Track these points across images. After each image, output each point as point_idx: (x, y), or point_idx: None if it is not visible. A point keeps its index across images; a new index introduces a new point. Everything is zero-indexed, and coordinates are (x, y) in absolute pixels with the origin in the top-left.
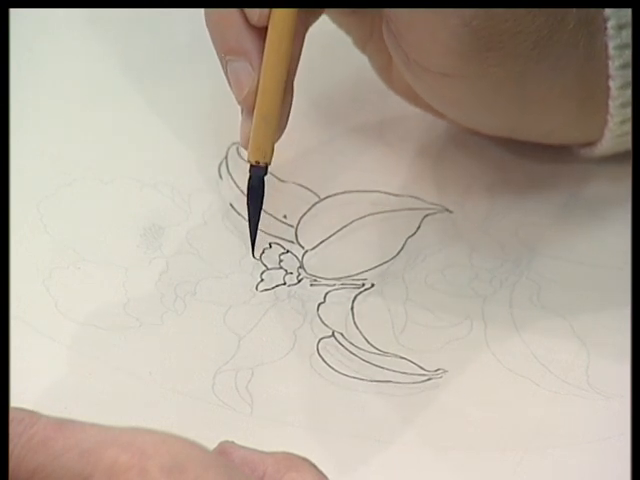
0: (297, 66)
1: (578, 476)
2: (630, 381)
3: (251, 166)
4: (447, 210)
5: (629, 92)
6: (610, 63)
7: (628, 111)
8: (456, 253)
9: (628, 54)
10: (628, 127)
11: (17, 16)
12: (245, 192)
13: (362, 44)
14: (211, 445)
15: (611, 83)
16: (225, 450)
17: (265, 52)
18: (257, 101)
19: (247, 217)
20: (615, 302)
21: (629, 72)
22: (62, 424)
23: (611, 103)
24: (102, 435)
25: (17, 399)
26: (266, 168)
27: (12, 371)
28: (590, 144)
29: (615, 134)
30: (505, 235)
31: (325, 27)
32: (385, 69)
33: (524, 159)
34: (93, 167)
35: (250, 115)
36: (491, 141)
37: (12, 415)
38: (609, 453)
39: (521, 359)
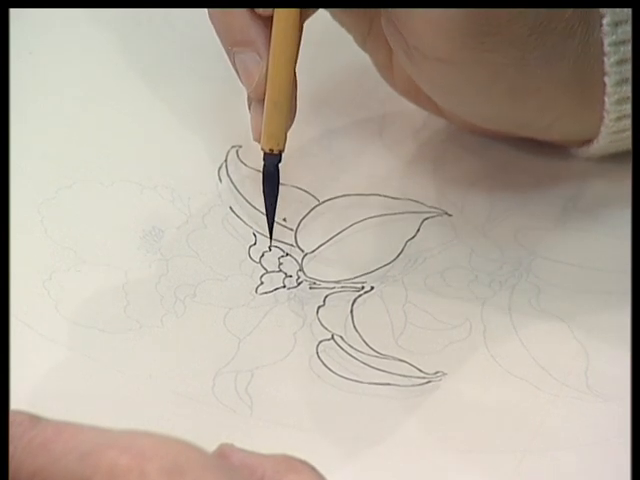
0: (298, 55)
1: (578, 478)
2: (629, 383)
3: (265, 154)
4: (446, 213)
5: (625, 88)
6: (605, 59)
7: (623, 108)
8: (455, 256)
9: (623, 50)
10: (624, 124)
11: (17, 16)
12: (244, 196)
13: (362, 40)
14: (211, 447)
15: (606, 79)
16: (224, 452)
17: (272, 40)
18: (267, 89)
19: (264, 205)
20: (614, 305)
21: (624, 68)
22: (62, 427)
23: (607, 99)
24: (102, 438)
25: (17, 401)
26: (280, 155)
27: (12, 373)
28: (588, 142)
29: (611, 130)
30: (504, 238)
31: (325, 29)
32: (386, 66)
33: (524, 162)
34: (93, 170)
35: (260, 105)
36: (490, 144)
37: (12, 418)
38: (609, 455)
39: (520, 362)
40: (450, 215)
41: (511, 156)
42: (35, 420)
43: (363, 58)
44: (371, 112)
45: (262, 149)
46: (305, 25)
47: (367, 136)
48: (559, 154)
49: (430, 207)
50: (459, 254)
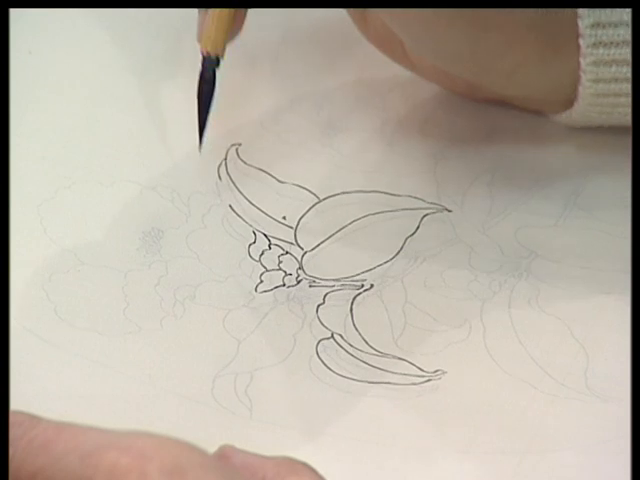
0: None
1: (577, 479)
2: (629, 384)
3: (203, 57)
4: (446, 209)
5: (600, 51)
6: (579, 22)
7: (601, 70)
8: (455, 255)
9: (599, 13)
10: (601, 88)
11: (17, 16)
12: (244, 194)
13: None
14: (211, 449)
15: (581, 41)
16: (225, 454)
17: None
18: None
19: (197, 109)
20: (614, 305)
21: (599, 32)
22: (62, 427)
23: (582, 60)
24: (102, 438)
25: (17, 403)
26: (218, 60)
27: (12, 375)
28: (569, 108)
29: (589, 92)
30: (504, 237)
31: (325, 29)
32: (361, 17)
33: (524, 159)
34: (93, 170)
35: (207, 11)
36: (491, 141)
37: (12, 418)
38: (608, 456)
39: (520, 362)
40: (450, 211)
41: (512, 153)
42: (35, 421)
43: (362, 54)
44: (372, 110)
45: (200, 51)
46: (304, 19)
47: (367, 132)
48: (560, 151)
49: (430, 203)
50: (459, 254)
